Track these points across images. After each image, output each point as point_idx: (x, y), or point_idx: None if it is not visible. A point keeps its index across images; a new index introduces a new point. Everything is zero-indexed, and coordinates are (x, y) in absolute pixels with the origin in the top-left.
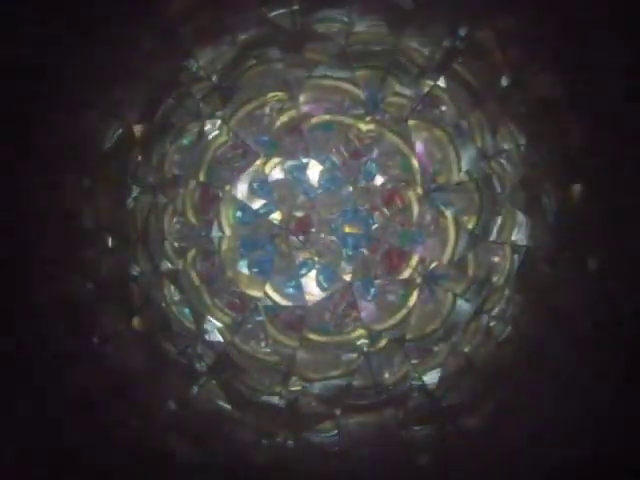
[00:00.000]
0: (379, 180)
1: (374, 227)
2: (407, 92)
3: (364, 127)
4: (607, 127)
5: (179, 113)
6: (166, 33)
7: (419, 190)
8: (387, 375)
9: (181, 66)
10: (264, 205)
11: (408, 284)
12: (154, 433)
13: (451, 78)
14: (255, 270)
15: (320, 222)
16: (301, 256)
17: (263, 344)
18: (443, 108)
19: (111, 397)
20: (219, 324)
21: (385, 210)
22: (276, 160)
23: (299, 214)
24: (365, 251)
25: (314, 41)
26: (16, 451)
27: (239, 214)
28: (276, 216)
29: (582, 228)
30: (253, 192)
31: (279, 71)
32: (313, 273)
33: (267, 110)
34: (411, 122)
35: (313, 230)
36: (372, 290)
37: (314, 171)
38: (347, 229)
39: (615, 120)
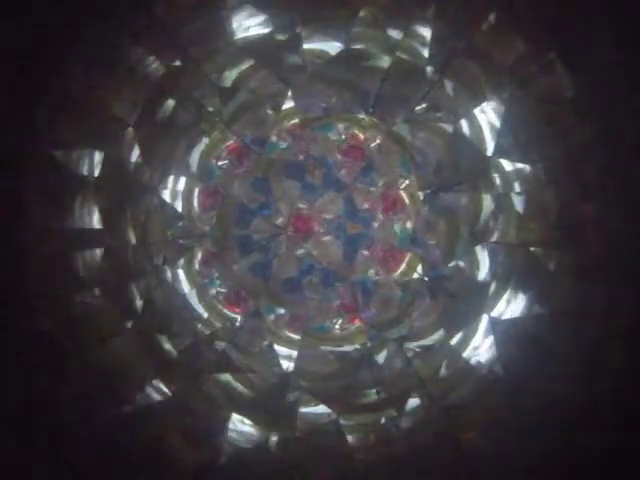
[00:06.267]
0: (379, 180)
1: (374, 227)
2: (407, 92)
3: (364, 127)
4: (608, 127)
5: (179, 114)
6: (166, 34)
7: (419, 190)
8: (387, 375)
9: (181, 67)
10: (264, 205)
11: (407, 284)
12: (154, 433)
13: (451, 78)
14: (255, 270)
15: (320, 222)
16: (300, 255)
17: (263, 344)
18: (443, 108)
19: (111, 397)
20: (219, 324)
21: (385, 210)
22: (276, 160)
23: (299, 214)
24: (365, 251)
25: (314, 41)
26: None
27: (239, 214)
28: (276, 216)
29: (582, 228)
30: (253, 192)
31: (279, 72)
32: (313, 273)
33: (267, 111)
34: (411, 122)
35: (313, 230)
36: (372, 290)
37: (314, 172)
38: (347, 229)
39: (615, 119)
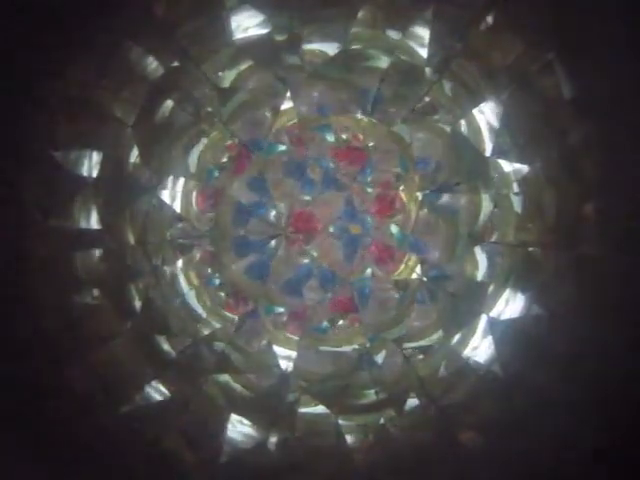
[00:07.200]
0: (377, 181)
1: (372, 228)
2: (406, 92)
3: (363, 128)
4: (608, 127)
5: (178, 114)
6: (165, 34)
7: (418, 191)
8: (386, 375)
9: (180, 67)
10: (262, 205)
11: (406, 285)
12: (154, 433)
13: (450, 79)
14: (253, 270)
15: (318, 223)
16: (299, 256)
17: (262, 344)
18: (442, 109)
19: (110, 397)
20: (218, 325)
21: (383, 211)
22: (274, 161)
23: (297, 215)
24: (363, 252)
25: (313, 42)
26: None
27: (237, 214)
28: (274, 217)
29: (581, 228)
30: (251, 193)
31: (277, 72)
32: (312, 273)
33: (265, 111)
34: (410, 123)
35: (315, 229)
36: (370, 291)
37: (312, 172)
38: (346, 230)
39: (616, 119)
